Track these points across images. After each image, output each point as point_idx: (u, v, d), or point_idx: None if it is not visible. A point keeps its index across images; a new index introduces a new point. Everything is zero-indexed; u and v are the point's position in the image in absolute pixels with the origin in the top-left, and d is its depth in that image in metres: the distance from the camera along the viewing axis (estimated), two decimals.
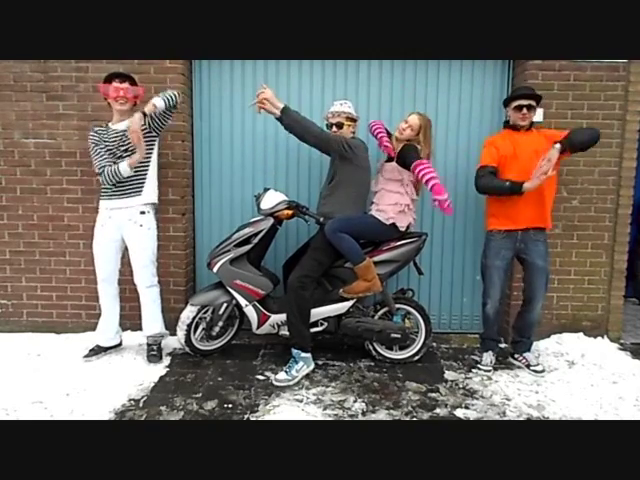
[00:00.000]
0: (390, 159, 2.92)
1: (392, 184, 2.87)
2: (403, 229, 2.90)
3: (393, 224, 2.86)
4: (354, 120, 2.91)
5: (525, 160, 2.72)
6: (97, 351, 2.99)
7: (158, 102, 2.70)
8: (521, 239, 2.81)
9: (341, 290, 2.90)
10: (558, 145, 2.57)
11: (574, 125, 3.04)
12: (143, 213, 2.88)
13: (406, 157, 2.77)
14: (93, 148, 2.84)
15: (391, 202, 2.86)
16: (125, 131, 2.78)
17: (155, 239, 2.97)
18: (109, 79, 2.79)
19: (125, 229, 2.87)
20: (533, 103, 2.75)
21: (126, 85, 2.79)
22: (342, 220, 2.81)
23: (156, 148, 2.93)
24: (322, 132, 2.77)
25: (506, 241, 2.83)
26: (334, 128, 2.85)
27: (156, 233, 2.98)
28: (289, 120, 2.74)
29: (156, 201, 2.96)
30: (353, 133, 2.93)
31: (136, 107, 2.93)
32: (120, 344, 3.10)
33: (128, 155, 2.79)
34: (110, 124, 2.87)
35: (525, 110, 2.74)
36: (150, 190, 2.90)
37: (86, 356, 2.95)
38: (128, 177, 2.81)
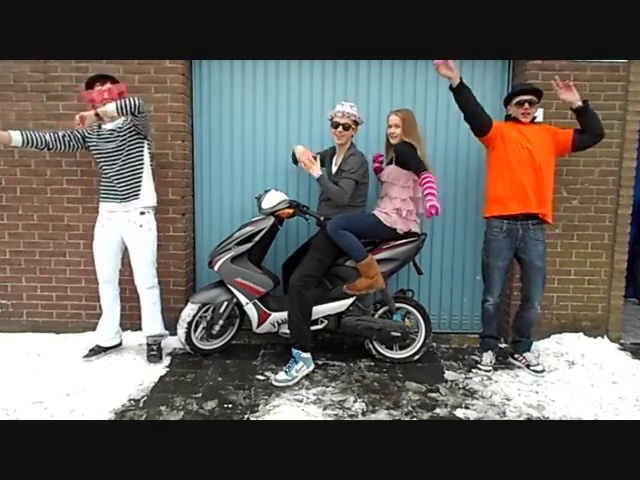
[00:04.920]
0: (389, 162, 2.93)
1: (395, 189, 2.89)
2: (402, 232, 2.91)
3: (393, 227, 2.88)
4: (358, 124, 2.93)
5: (533, 142, 2.72)
6: (97, 351, 2.99)
7: (109, 107, 2.67)
8: (521, 238, 2.81)
9: (345, 287, 2.91)
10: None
11: (574, 125, 3.04)
12: (143, 214, 2.88)
13: (407, 160, 2.81)
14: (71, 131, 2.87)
15: (393, 207, 2.88)
16: (113, 130, 2.81)
17: (155, 239, 2.96)
18: (90, 84, 2.79)
19: (125, 230, 2.87)
20: (534, 98, 2.77)
21: (108, 85, 2.78)
22: (344, 218, 2.83)
23: (146, 151, 2.91)
24: (339, 193, 2.81)
25: (507, 241, 2.82)
26: (340, 128, 2.85)
27: (156, 233, 2.97)
28: (318, 184, 2.90)
29: (155, 204, 2.96)
30: (352, 137, 2.95)
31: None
32: (120, 344, 3.10)
33: (121, 152, 2.79)
34: (102, 125, 2.87)
35: (527, 105, 2.76)
36: (147, 193, 2.89)
37: (86, 356, 2.95)
38: (123, 181, 2.80)
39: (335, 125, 2.87)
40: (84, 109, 3.22)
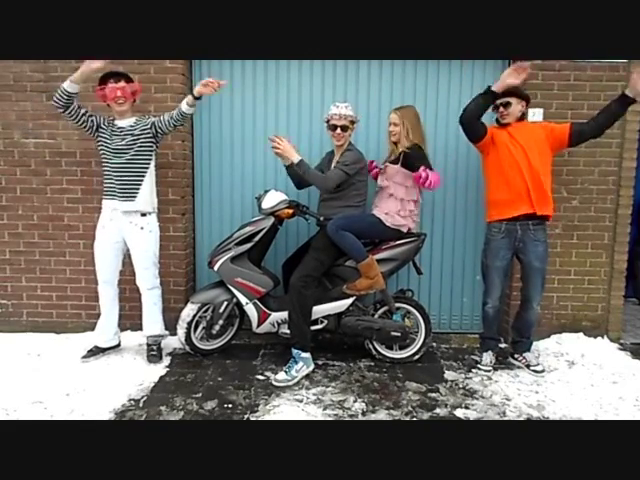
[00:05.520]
0: (392, 161, 2.92)
1: (400, 190, 2.88)
2: (405, 231, 2.92)
3: (394, 226, 2.89)
4: (354, 122, 2.93)
5: (524, 143, 2.70)
6: (95, 352, 2.98)
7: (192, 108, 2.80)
8: (520, 238, 2.80)
9: (344, 286, 2.91)
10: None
11: None
12: (144, 215, 2.87)
13: (414, 163, 2.78)
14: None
15: (396, 207, 2.88)
16: (123, 128, 2.79)
17: (157, 241, 2.95)
18: (104, 80, 2.78)
19: (126, 231, 2.86)
20: (509, 100, 2.74)
21: (122, 84, 2.77)
22: (344, 218, 2.83)
23: (154, 158, 2.90)
24: (323, 178, 2.82)
25: (505, 241, 2.82)
26: (338, 130, 2.85)
27: (158, 235, 2.97)
28: (299, 171, 2.81)
29: (150, 210, 2.89)
30: (350, 135, 2.95)
31: (135, 104, 2.92)
32: (119, 345, 3.10)
33: (128, 151, 2.78)
34: (115, 121, 2.86)
35: (501, 108, 2.76)
36: (145, 197, 2.84)
37: (84, 357, 2.94)
38: (123, 179, 2.79)
39: (333, 128, 2.87)
40: None
